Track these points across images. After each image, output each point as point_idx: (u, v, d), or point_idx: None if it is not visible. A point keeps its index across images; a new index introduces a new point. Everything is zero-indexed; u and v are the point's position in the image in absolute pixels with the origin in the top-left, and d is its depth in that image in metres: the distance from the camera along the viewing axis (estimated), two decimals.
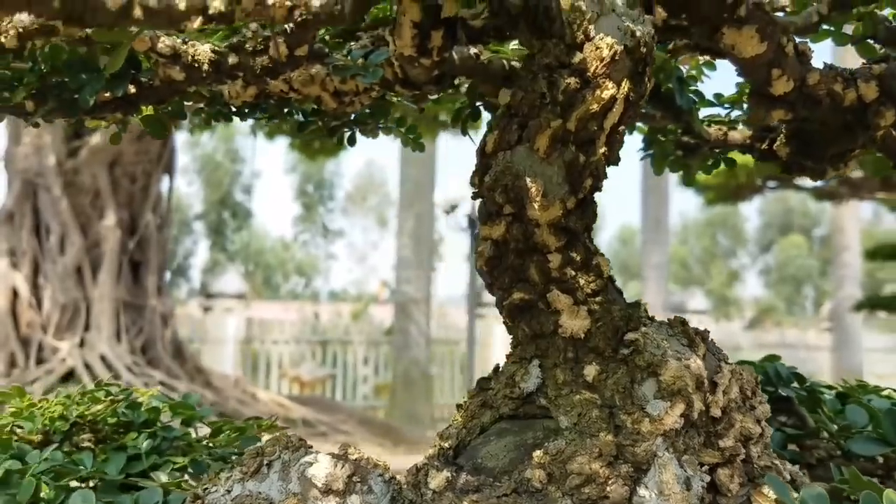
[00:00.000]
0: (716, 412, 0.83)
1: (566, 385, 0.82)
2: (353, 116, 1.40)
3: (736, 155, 1.40)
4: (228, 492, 0.91)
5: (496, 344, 13.29)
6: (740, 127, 1.28)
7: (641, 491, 0.75)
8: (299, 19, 0.72)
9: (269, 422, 1.38)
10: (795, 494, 0.79)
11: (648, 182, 14.35)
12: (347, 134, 1.44)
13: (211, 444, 1.38)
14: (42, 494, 1.01)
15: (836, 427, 1.20)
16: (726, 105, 1.30)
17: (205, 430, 1.49)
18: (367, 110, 1.41)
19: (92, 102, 1.05)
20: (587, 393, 0.80)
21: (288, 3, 0.72)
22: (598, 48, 0.78)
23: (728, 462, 0.85)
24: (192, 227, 30.62)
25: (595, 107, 0.77)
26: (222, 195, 30.37)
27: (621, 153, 0.93)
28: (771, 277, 35.51)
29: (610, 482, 0.74)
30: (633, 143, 1.42)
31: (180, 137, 9.21)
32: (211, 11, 0.66)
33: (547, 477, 0.76)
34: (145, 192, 8.72)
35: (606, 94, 0.77)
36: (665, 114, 1.22)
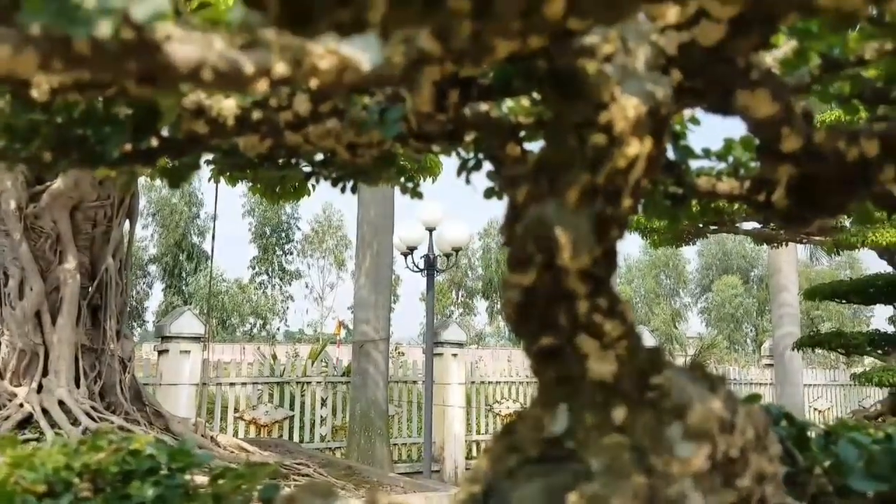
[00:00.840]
0: (734, 453, 0.88)
1: (595, 428, 0.86)
2: (357, 168, 1.44)
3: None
4: None
5: (453, 383, 13.25)
6: (725, 178, 1.35)
7: None
8: (348, 82, 0.76)
9: (273, 466, 1.38)
10: None
11: None
12: (350, 184, 1.48)
13: (213, 491, 1.37)
14: None
15: (827, 464, 1.26)
16: (713, 158, 1.37)
17: (201, 478, 1.49)
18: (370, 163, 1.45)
19: (115, 154, 1.07)
20: (617, 436, 0.84)
21: (339, 67, 0.76)
22: (623, 108, 0.83)
23: (745, 502, 0.89)
24: (148, 270, 30.11)
25: (622, 163, 0.83)
26: (178, 238, 29.99)
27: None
28: (712, 316, 36.50)
29: None
30: None
31: (139, 181, 9.13)
32: (275, 75, 0.69)
33: None
34: (106, 237, 8.58)
35: (632, 151, 0.83)
36: None
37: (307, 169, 1.41)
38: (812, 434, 1.44)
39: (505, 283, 0.90)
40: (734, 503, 0.88)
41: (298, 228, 33.44)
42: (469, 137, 1.33)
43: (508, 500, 0.86)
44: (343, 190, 1.48)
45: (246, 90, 0.67)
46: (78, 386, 7.93)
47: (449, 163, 9.68)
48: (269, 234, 31.79)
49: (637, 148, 0.83)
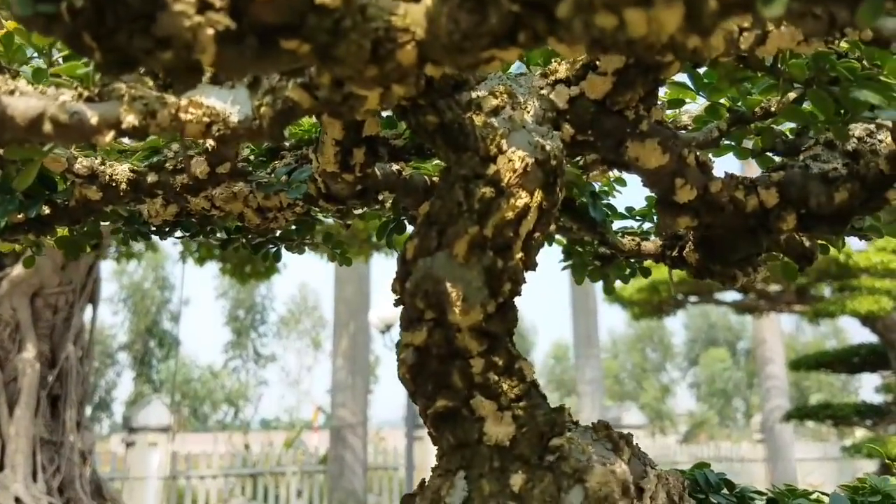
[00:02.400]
0: None
1: (493, 496, 0.80)
2: (277, 233, 1.41)
3: (653, 268, 1.46)
4: None
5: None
6: (652, 238, 1.33)
7: None
8: (217, 134, 0.74)
9: None
10: None
11: (577, 299, 14.67)
12: (273, 250, 1.44)
13: None
14: None
15: None
16: (637, 217, 1.36)
17: None
18: (293, 227, 1.42)
19: (3, 223, 1.03)
20: None
21: (205, 119, 0.73)
22: (510, 160, 0.81)
23: None
24: (116, 357, 29.49)
25: (510, 214, 0.80)
26: (149, 324, 29.53)
27: (550, 270, 0.96)
28: (701, 391, 36.16)
29: None
30: (557, 256, 1.47)
31: (107, 266, 9.05)
32: (124, 126, 0.66)
33: None
34: (67, 324, 8.41)
35: (520, 203, 0.80)
36: (581, 226, 1.27)
37: (222, 236, 1.38)
38: (754, 502, 1.38)
39: (398, 343, 0.86)
40: None
41: (273, 310, 33.14)
42: (385, 200, 1.30)
43: None
44: (266, 257, 1.44)
45: (91, 142, 0.64)
46: (35, 480, 7.61)
47: None
48: (242, 316, 31.44)
49: (525, 199, 0.81)
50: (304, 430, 20.91)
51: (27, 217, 1.06)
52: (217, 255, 10.05)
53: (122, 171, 1.05)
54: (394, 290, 0.87)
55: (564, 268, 1.42)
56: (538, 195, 0.82)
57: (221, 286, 30.91)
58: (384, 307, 13.82)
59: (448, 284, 0.80)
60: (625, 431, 0.89)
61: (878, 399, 9.88)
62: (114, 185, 1.04)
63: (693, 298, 10.04)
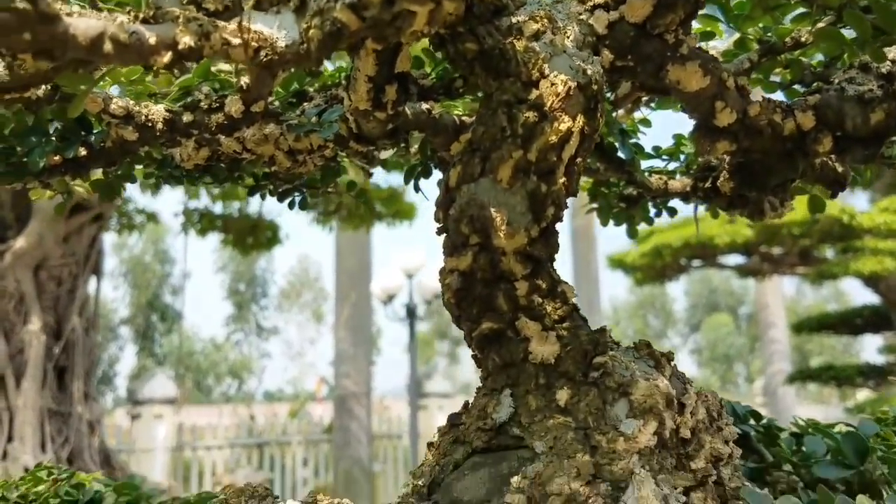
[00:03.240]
0: (685, 433, 0.85)
1: (539, 411, 0.82)
2: (303, 181, 1.41)
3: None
4: None
5: None
6: (679, 177, 1.34)
7: None
8: (265, 60, 0.74)
9: (224, 496, 1.31)
10: None
11: (579, 266, 14.70)
12: (299, 198, 1.45)
13: None
14: None
15: (795, 459, 1.23)
16: (664, 157, 1.37)
17: None
18: (317, 175, 1.43)
19: (42, 165, 1.04)
20: (561, 417, 0.81)
21: (254, 44, 0.74)
22: (553, 84, 0.82)
23: (701, 485, 0.86)
24: (119, 332, 29.58)
25: (554, 138, 0.81)
26: (150, 298, 29.57)
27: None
28: (703, 356, 36.28)
29: (590, 501, 0.74)
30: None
31: (107, 241, 9.02)
32: (181, 47, 0.67)
33: (527, 501, 0.75)
34: (71, 295, 8.43)
35: (563, 127, 0.81)
36: (608, 165, 1.28)
37: (249, 183, 1.38)
38: (780, 434, 1.41)
39: (443, 269, 0.88)
40: (689, 486, 0.85)
41: (274, 282, 33.18)
42: (412, 144, 1.31)
43: (452, 492, 0.82)
44: (291, 206, 1.45)
45: (149, 62, 0.65)
46: (44, 451, 7.68)
47: (424, 207, 9.72)
48: (243, 290, 31.48)
49: (568, 123, 0.82)
50: (309, 401, 21.06)
51: (64, 158, 1.07)
52: (219, 226, 10.02)
53: (157, 111, 1.06)
54: (436, 219, 0.89)
55: (589, 210, 1.43)
56: (580, 120, 0.83)
57: (221, 259, 30.90)
58: (386, 278, 13.83)
59: (492, 209, 0.82)
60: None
61: (880, 360, 9.95)
62: (150, 125, 1.05)
63: (696, 262, 10.06)
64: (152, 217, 10.43)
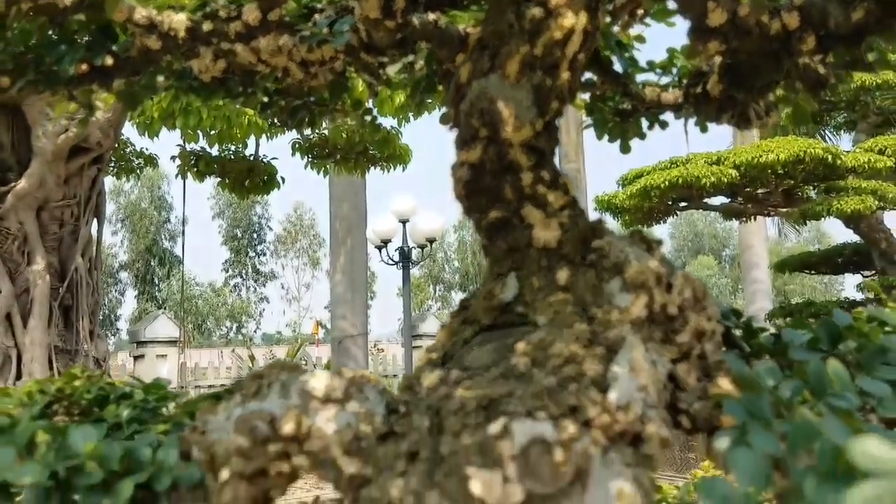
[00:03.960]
0: (672, 310, 0.93)
1: (541, 290, 0.91)
2: (312, 99, 1.48)
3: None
4: (229, 418, 0.95)
5: None
6: (671, 90, 1.41)
7: (614, 368, 0.83)
8: None
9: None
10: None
11: None
12: (307, 116, 1.51)
13: (191, 413, 1.40)
14: (38, 439, 1.02)
15: (773, 349, 1.32)
16: (657, 71, 1.43)
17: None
18: (326, 94, 1.48)
19: (71, 72, 1.09)
20: (561, 294, 0.89)
21: None
22: None
23: (685, 357, 0.95)
24: (119, 277, 29.72)
25: (558, 34, 0.87)
26: (148, 243, 29.66)
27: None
28: None
29: (587, 361, 0.83)
30: None
31: (105, 185, 9.03)
32: None
33: (531, 362, 0.84)
34: (74, 236, 8.50)
35: (567, 23, 0.87)
36: (605, 78, 1.34)
37: (261, 98, 1.44)
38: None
39: (453, 164, 0.95)
40: (675, 358, 0.93)
41: (270, 229, 33.24)
42: (418, 60, 1.37)
43: (462, 362, 0.90)
44: (300, 124, 1.51)
45: None
46: None
47: (419, 153, 9.70)
48: (240, 235, 31.58)
49: (572, 20, 0.88)
50: (307, 343, 21.32)
51: (91, 67, 1.13)
52: (216, 169, 9.99)
53: (179, 20, 1.11)
54: (444, 120, 0.95)
55: (586, 126, 1.50)
56: (583, 17, 0.89)
57: (218, 206, 30.89)
58: (380, 223, 13.88)
59: (501, 104, 0.89)
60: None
61: (859, 297, 10.12)
62: (172, 34, 1.10)
63: (682, 203, 10.13)
64: (150, 160, 10.42)
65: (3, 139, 8.14)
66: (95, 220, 8.84)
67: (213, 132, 7.48)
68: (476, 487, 0.79)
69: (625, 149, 1.53)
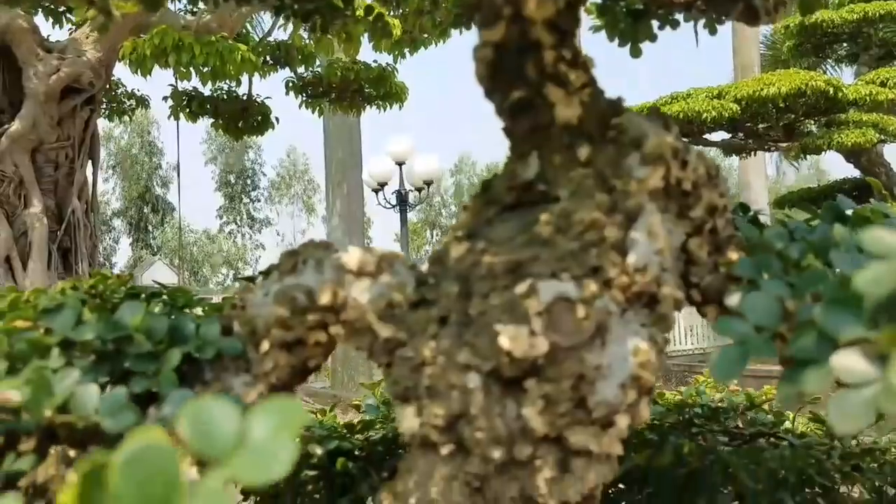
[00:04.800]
0: (687, 186, 0.98)
1: (563, 166, 0.95)
2: (325, 2, 1.49)
3: None
4: (267, 294, 1.01)
5: None
6: None
7: (633, 234, 0.89)
8: None
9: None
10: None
11: None
12: (319, 21, 1.53)
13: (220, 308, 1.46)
14: (85, 316, 1.07)
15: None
16: None
17: None
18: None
19: None
20: (582, 169, 0.94)
21: None
22: None
23: (698, 232, 1.00)
24: (112, 224, 29.65)
25: None
26: (140, 190, 29.51)
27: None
28: None
29: (607, 227, 0.88)
30: None
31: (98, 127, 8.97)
32: None
33: (554, 230, 0.89)
34: (69, 179, 8.49)
35: None
36: None
37: (274, 2, 1.46)
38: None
39: (476, 46, 0.98)
40: (689, 232, 0.99)
41: (264, 174, 33.08)
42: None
43: (486, 236, 0.95)
44: (314, 28, 1.53)
45: None
46: None
47: (414, 94, 9.61)
48: (233, 181, 31.44)
49: None
50: None
51: None
52: (209, 109, 9.90)
53: None
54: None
55: (596, 29, 1.53)
56: None
57: (210, 151, 30.65)
58: (376, 165, 13.82)
59: None
60: None
61: None
62: None
63: (683, 139, 10.13)
64: (142, 101, 10.32)
65: None
66: (90, 162, 8.82)
67: (205, 69, 7.41)
68: (504, 341, 0.85)
69: (635, 52, 1.56)
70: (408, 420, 0.94)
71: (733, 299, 0.87)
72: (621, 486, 1.47)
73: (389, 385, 0.96)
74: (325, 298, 0.95)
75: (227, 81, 8.69)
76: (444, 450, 0.93)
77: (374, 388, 1.96)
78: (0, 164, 7.91)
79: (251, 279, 1.07)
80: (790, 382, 0.67)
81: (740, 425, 1.77)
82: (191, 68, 7.37)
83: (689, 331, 13.31)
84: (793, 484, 1.42)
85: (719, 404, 1.78)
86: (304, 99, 9.07)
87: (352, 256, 0.97)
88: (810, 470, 1.46)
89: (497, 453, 0.89)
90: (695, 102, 8.72)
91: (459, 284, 0.92)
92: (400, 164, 13.50)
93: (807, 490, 1.47)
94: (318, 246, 1.00)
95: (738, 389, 1.89)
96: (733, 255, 1.00)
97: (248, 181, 32.25)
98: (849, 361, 0.62)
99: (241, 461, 0.42)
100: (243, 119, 9.98)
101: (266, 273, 1.04)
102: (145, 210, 29.23)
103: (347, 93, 8.78)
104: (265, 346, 1.00)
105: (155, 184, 29.87)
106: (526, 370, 0.87)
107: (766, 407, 1.85)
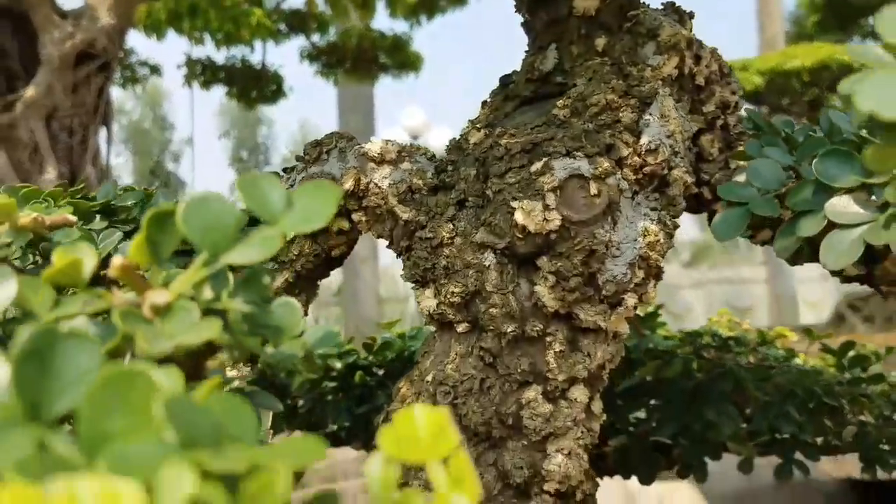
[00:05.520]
0: (700, 81, 1.01)
1: (580, 56, 0.98)
2: None
3: None
4: (293, 184, 1.05)
5: None
6: None
7: (646, 116, 0.92)
8: None
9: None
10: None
11: None
12: None
13: None
14: None
15: None
16: None
17: None
18: None
19: None
20: (598, 58, 0.97)
21: None
22: None
23: (710, 128, 1.03)
24: None
25: None
26: (153, 166, 29.61)
27: None
28: (704, 218, 36.45)
29: (622, 110, 0.91)
30: None
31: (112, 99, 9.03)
32: None
33: (570, 112, 0.93)
34: (84, 146, 8.55)
35: None
36: None
37: None
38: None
39: None
40: (702, 127, 1.02)
41: (276, 150, 33.08)
42: None
43: (507, 126, 0.99)
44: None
45: None
46: None
47: (430, 60, 9.60)
48: (246, 157, 31.49)
49: None
50: None
51: None
52: (222, 78, 9.92)
53: None
54: None
55: None
56: None
57: (223, 125, 30.70)
58: (391, 135, 13.85)
59: None
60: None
61: None
62: None
63: None
64: (155, 69, 10.36)
65: (8, 46, 8.11)
66: (104, 129, 8.88)
67: (220, 36, 7.42)
68: (519, 216, 0.89)
69: None
70: (426, 300, 0.98)
71: (740, 177, 0.90)
72: (629, 397, 1.51)
73: (409, 270, 1.00)
74: (348, 184, 0.99)
75: (241, 49, 8.72)
76: (460, 328, 0.97)
77: (390, 326, 2.01)
78: (15, 131, 7.97)
79: (276, 174, 1.11)
80: (788, 232, 0.71)
81: (751, 360, 1.82)
82: (205, 34, 7.40)
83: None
84: (801, 399, 1.45)
85: (731, 334, 1.81)
86: (318, 68, 9.08)
87: (374, 145, 1.01)
88: (818, 389, 1.50)
89: (510, 328, 0.92)
90: None
91: (477, 167, 0.96)
92: (414, 137, 13.55)
93: (812, 407, 1.50)
94: (342, 136, 1.03)
95: (750, 328, 1.92)
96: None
97: (261, 157, 32.30)
98: (842, 205, 0.66)
99: (289, 218, 0.47)
100: (257, 88, 10.00)
101: (290, 168, 1.08)
102: (157, 185, 29.32)
103: (362, 61, 8.78)
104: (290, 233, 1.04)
105: (166, 159, 29.97)
106: (539, 246, 0.91)
107: (777, 343, 1.89)
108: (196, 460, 0.30)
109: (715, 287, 18.16)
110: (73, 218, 0.62)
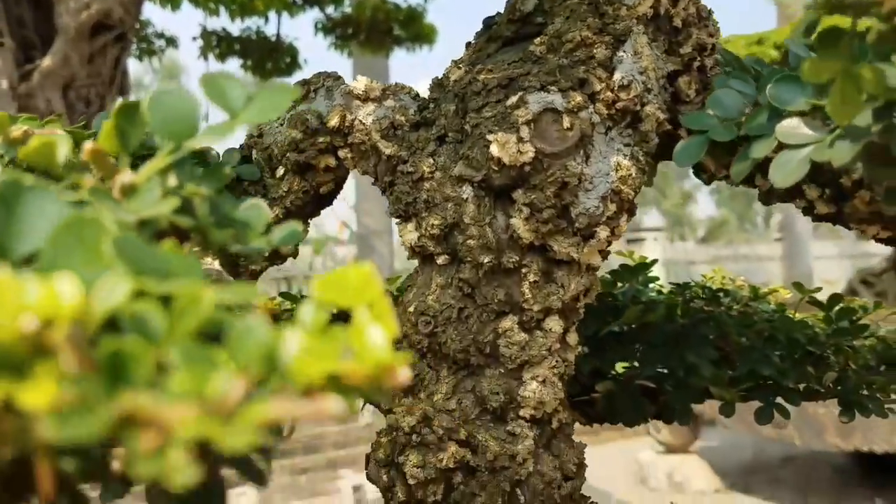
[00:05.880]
0: (677, 23, 1.03)
1: None
2: None
3: None
4: (282, 123, 1.09)
5: None
6: None
7: (620, 53, 0.95)
8: None
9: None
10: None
11: None
12: None
13: None
14: None
15: None
16: None
17: None
18: None
19: None
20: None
21: None
22: None
23: (686, 70, 1.06)
24: None
25: None
26: None
27: None
28: (722, 195, 36.33)
29: (596, 46, 0.94)
30: None
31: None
32: None
33: (546, 49, 0.96)
34: None
35: None
36: None
37: None
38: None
39: None
40: (678, 69, 1.05)
41: None
42: None
43: (487, 64, 1.02)
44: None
45: None
46: None
47: (444, 31, 9.57)
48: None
49: None
50: (332, 241, 21.66)
51: None
52: (237, 50, 9.95)
53: None
54: None
55: None
56: None
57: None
58: None
59: None
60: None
61: None
62: None
63: None
64: (172, 41, 10.40)
65: (25, 16, 8.18)
66: (121, 100, 8.94)
67: (234, 6, 7.45)
68: (494, 149, 0.92)
69: None
70: (408, 234, 1.03)
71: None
72: (615, 342, 1.54)
73: (392, 205, 1.04)
74: (333, 121, 1.03)
75: (256, 21, 8.74)
76: (440, 260, 1.01)
77: (392, 283, 2.07)
78: (33, 100, 8.08)
79: None
80: (743, 157, 0.74)
81: (738, 310, 1.84)
82: (220, 5, 7.42)
83: None
84: (783, 345, 1.48)
85: (722, 286, 1.84)
86: (333, 41, 9.08)
87: (359, 83, 1.04)
88: (801, 338, 1.53)
89: (486, 259, 0.96)
90: (734, 48, 8.57)
91: (457, 103, 0.99)
92: None
93: (797, 357, 1.53)
94: (329, 76, 1.07)
95: (744, 285, 1.95)
96: None
97: None
98: (791, 126, 0.69)
99: (248, 112, 0.51)
100: (272, 60, 10.02)
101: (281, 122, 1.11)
102: None
103: (376, 33, 8.77)
104: (280, 171, 1.08)
105: None
106: (514, 179, 0.94)
107: (770, 299, 1.91)
108: (137, 282, 0.34)
109: (730, 263, 18.09)
110: (62, 131, 0.67)
